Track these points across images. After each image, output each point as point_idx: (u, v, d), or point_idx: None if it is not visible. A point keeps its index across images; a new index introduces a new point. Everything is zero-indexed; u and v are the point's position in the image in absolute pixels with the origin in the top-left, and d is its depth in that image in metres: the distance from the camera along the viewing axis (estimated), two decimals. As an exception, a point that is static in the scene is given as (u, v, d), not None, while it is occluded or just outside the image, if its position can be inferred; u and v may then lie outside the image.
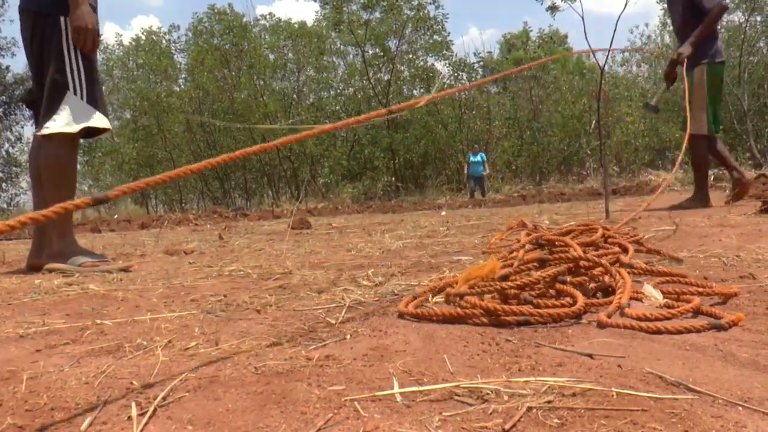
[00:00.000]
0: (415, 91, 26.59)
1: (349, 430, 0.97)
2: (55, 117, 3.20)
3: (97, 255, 3.37)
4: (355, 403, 1.07)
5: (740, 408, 1.01)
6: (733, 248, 2.73)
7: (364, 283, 2.34)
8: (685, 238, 3.38)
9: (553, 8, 22.84)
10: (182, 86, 28.07)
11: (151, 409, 1.07)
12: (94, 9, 3.36)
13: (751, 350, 1.32)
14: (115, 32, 56.64)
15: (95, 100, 3.32)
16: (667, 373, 1.16)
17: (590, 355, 1.30)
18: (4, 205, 29.28)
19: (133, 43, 29.02)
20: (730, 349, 1.32)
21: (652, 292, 1.75)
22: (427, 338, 1.48)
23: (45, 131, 3.20)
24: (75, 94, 3.24)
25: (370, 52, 25.05)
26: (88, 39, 3.23)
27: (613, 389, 1.08)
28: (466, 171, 19.96)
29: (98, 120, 3.31)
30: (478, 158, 19.43)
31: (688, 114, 5.74)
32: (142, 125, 26.45)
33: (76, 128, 3.23)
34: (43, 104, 3.25)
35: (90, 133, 3.38)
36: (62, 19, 3.23)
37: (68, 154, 3.30)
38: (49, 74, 3.23)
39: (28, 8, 3.29)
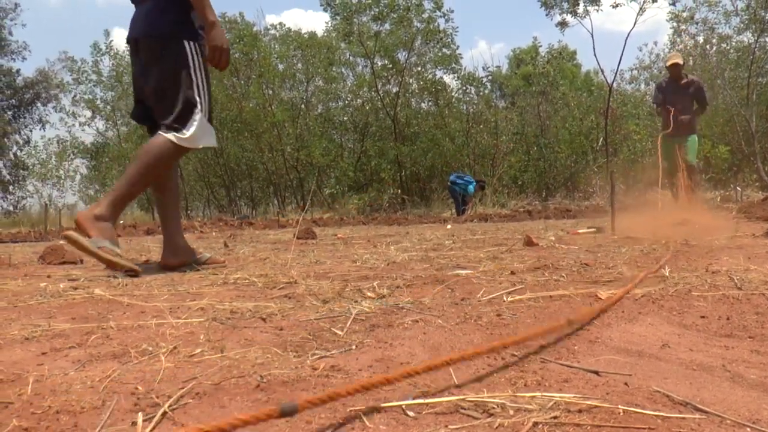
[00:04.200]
0: (423, 104, 26.61)
1: (355, 441, 0.97)
2: (184, 131, 3.42)
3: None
4: (361, 414, 1.07)
5: (749, 429, 1.00)
6: (741, 269, 2.72)
7: (370, 294, 2.33)
8: (693, 255, 3.38)
9: (562, 24, 22.85)
10: (191, 93, 28.09)
11: (157, 415, 1.07)
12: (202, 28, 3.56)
13: (760, 372, 1.31)
14: (125, 38, 56.70)
15: (211, 120, 3.59)
16: (674, 393, 1.16)
17: (596, 372, 1.30)
18: (11, 208, 29.37)
19: (144, 49, 29.15)
20: (738, 370, 1.32)
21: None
22: (433, 351, 1.48)
23: (183, 144, 3.41)
24: (201, 112, 3.48)
25: (379, 63, 25.06)
26: (224, 57, 3.48)
27: (619, 407, 1.08)
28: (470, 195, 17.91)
29: (213, 139, 3.60)
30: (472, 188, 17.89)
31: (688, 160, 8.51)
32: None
33: (199, 146, 3.53)
34: (173, 116, 3.43)
35: None
36: (186, 43, 3.46)
37: (172, 159, 3.50)
38: (180, 92, 3.43)
39: (149, 35, 3.50)
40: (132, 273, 3.24)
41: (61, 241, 3.15)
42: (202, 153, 25.75)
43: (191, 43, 3.49)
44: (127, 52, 28.17)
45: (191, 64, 3.48)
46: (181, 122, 3.43)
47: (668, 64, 8.76)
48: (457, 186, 17.89)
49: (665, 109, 8.70)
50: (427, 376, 1.27)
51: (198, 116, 3.47)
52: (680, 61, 8.70)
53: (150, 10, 3.52)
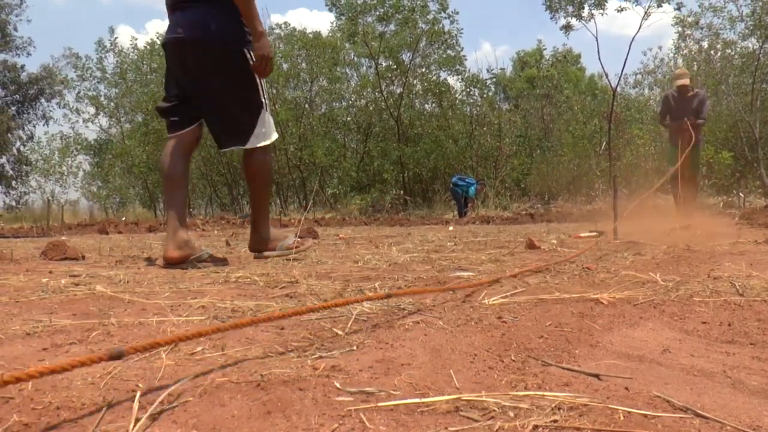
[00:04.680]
0: (426, 106, 26.59)
1: (354, 441, 0.97)
2: (256, 132, 3.80)
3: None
4: (361, 414, 1.07)
5: (749, 436, 1.00)
6: (743, 276, 2.71)
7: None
8: (695, 261, 3.37)
9: (567, 27, 22.84)
10: (195, 92, 28.03)
11: (156, 412, 1.07)
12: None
13: (761, 378, 1.31)
14: (130, 35, 56.78)
15: (272, 116, 3.98)
16: (675, 398, 1.16)
17: (597, 376, 1.30)
18: (13, 203, 29.41)
19: (148, 47, 29.15)
20: (739, 377, 1.32)
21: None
22: (434, 352, 1.47)
23: (258, 144, 3.81)
24: (267, 111, 3.87)
25: (384, 64, 25.04)
26: (269, 65, 3.73)
27: (620, 411, 1.07)
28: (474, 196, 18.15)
29: (273, 135, 3.95)
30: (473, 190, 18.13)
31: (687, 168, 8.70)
32: (154, 129, 26.47)
33: (273, 138, 3.91)
34: (236, 122, 3.80)
35: None
36: (246, 51, 3.73)
37: (271, 159, 3.98)
38: (242, 97, 3.79)
39: (206, 39, 3.66)
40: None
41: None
42: (205, 151, 25.81)
43: (248, 51, 3.74)
44: (132, 50, 28.02)
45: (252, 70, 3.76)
46: (251, 126, 3.78)
47: (678, 84, 9.27)
48: (459, 188, 17.91)
49: (673, 124, 9.24)
50: (427, 377, 1.27)
51: (266, 115, 3.86)
52: (688, 81, 9.28)
53: (204, 16, 3.68)
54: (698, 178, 9.81)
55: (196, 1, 3.69)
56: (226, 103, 3.79)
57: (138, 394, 1.16)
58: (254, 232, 3.98)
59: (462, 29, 24.48)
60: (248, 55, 3.73)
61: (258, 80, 3.79)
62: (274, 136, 3.92)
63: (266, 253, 3.96)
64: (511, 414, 1.06)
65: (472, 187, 17.88)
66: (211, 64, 3.71)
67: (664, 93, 10.09)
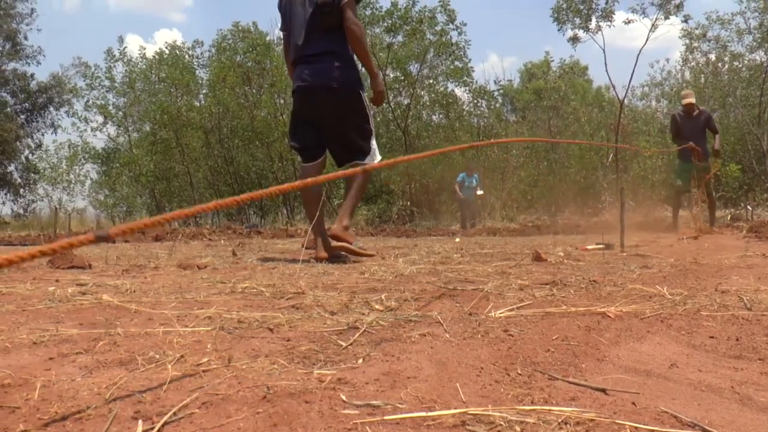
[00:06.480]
0: (434, 117, 26.62)
1: (360, 455, 0.96)
2: (372, 153, 4.76)
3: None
4: (367, 427, 1.06)
5: (757, 453, 1.00)
6: (751, 289, 2.70)
7: (377, 306, 2.33)
8: (702, 275, 3.36)
9: (574, 39, 22.90)
10: (203, 102, 28.21)
11: (161, 423, 1.07)
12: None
13: (769, 394, 1.30)
14: (138, 45, 57.13)
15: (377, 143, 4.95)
16: (682, 414, 1.15)
17: (604, 391, 1.29)
18: (21, 211, 29.51)
19: (157, 56, 29.30)
20: (747, 393, 1.31)
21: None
22: (440, 365, 1.47)
23: (371, 161, 4.72)
24: (375, 139, 4.85)
25: (391, 75, 25.11)
26: (383, 99, 4.82)
27: (627, 425, 1.07)
28: (459, 195, 17.95)
29: (379, 156, 4.90)
30: (473, 181, 17.98)
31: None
32: (161, 138, 26.58)
33: (377, 159, 4.81)
34: (356, 146, 4.77)
35: None
36: (361, 92, 4.72)
37: (370, 175, 4.92)
38: (367, 127, 4.80)
39: (332, 86, 4.60)
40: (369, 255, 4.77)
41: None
42: (212, 161, 25.90)
43: (362, 92, 4.74)
44: (140, 59, 28.22)
45: (367, 108, 4.78)
46: (364, 149, 4.74)
47: (685, 102, 10.23)
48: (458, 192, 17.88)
49: (684, 141, 9.99)
50: (433, 390, 1.27)
51: (374, 141, 4.84)
52: (694, 100, 10.28)
53: (330, 67, 4.60)
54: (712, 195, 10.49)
55: (323, 55, 4.58)
56: (347, 132, 4.75)
57: (143, 405, 1.16)
58: (339, 222, 4.62)
59: (470, 41, 24.60)
60: (362, 95, 4.71)
61: (370, 114, 4.79)
62: (378, 158, 4.83)
63: (343, 244, 4.57)
64: (518, 428, 1.06)
65: (461, 175, 17.91)
66: (336, 104, 4.64)
67: (671, 113, 11.17)
